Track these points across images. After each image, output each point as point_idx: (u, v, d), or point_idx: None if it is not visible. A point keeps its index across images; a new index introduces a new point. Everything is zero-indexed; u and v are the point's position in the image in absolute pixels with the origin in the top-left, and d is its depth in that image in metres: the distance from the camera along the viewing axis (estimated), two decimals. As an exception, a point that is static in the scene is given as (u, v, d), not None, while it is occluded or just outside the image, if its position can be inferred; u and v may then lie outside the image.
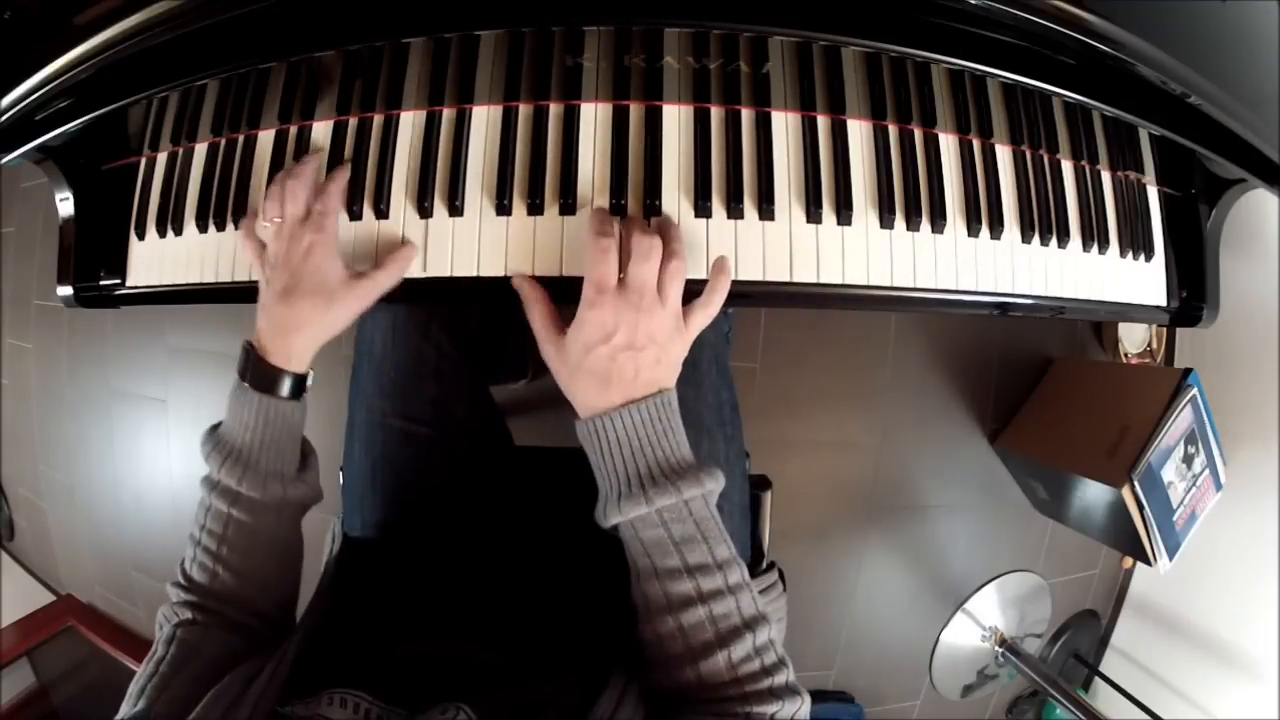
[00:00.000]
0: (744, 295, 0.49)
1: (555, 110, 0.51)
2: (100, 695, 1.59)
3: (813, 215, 0.50)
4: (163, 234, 0.58)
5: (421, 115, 0.52)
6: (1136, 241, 0.60)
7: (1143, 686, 1.38)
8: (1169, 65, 0.46)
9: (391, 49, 0.53)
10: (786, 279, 0.50)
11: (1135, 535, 1.12)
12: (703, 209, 0.49)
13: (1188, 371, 1.12)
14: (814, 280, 0.50)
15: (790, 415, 1.31)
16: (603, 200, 0.50)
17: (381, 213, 0.51)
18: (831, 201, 0.51)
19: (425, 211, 0.51)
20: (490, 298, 0.50)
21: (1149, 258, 0.61)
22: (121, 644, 1.55)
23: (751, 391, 1.28)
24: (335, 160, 0.53)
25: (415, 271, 0.51)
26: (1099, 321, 1.41)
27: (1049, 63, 0.47)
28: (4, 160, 0.55)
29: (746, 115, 0.51)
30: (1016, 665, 1.42)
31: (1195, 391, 1.12)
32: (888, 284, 0.51)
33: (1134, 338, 1.42)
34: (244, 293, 0.55)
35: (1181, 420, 1.12)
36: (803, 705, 0.42)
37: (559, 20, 0.47)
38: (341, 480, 0.68)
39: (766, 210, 0.50)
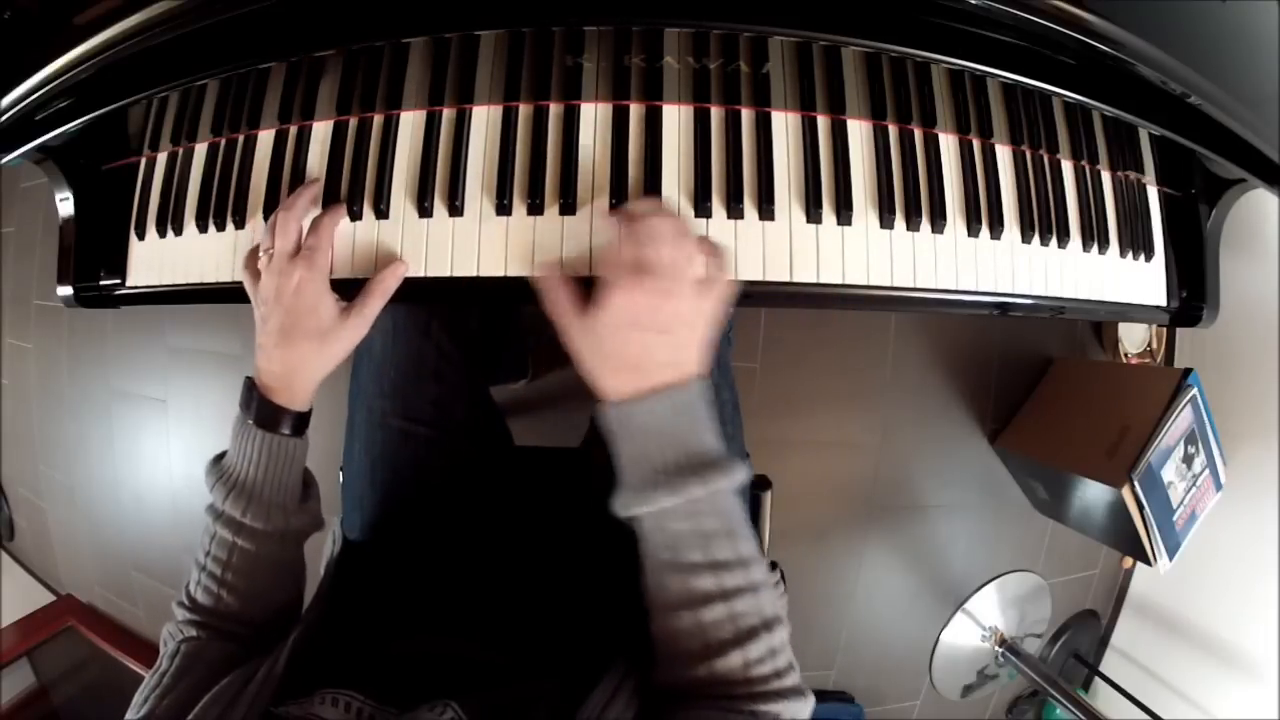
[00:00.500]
0: (744, 295, 0.49)
1: (555, 110, 0.51)
2: (100, 695, 1.59)
3: (813, 215, 0.50)
4: (163, 234, 0.58)
5: (421, 115, 0.52)
6: (1136, 241, 0.60)
7: (1143, 686, 1.38)
8: (1169, 65, 0.46)
9: (391, 49, 0.53)
10: (786, 279, 0.50)
11: (1135, 535, 1.12)
12: (703, 209, 0.49)
13: (1188, 371, 1.12)
14: (814, 280, 0.50)
15: (790, 415, 1.31)
16: (603, 200, 0.50)
17: (381, 213, 0.51)
18: (831, 201, 0.51)
19: (425, 211, 0.51)
20: (490, 298, 0.50)
21: (1149, 258, 0.61)
22: (121, 644, 1.55)
23: (751, 391, 1.28)
24: (337, 162, 0.53)
25: (416, 271, 0.51)
26: (1099, 321, 1.41)
27: (1049, 63, 0.47)
28: (4, 160, 0.55)
29: (746, 115, 0.51)
30: (1016, 665, 1.42)
31: (1195, 391, 1.12)
32: (888, 284, 0.51)
33: (1134, 338, 1.42)
34: (244, 293, 0.55)
35: (1181, 420, 1.12)
36: (808, 706, 0.41)
37: (559, 20, 0.47)
38: (341, 480, 0.68)
39: (766, 210, 0.50)
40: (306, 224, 0.50)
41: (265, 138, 0.55)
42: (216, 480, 0.50)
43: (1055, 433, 1.30)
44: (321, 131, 0.54)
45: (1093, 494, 1.17)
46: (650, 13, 0.45)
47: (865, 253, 0.51)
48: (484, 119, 0.51)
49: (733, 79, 0.51)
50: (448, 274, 0.50)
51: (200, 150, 0.57)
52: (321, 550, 0.64)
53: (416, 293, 0.51)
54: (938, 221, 0.52)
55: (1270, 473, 1.21)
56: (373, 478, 0.64)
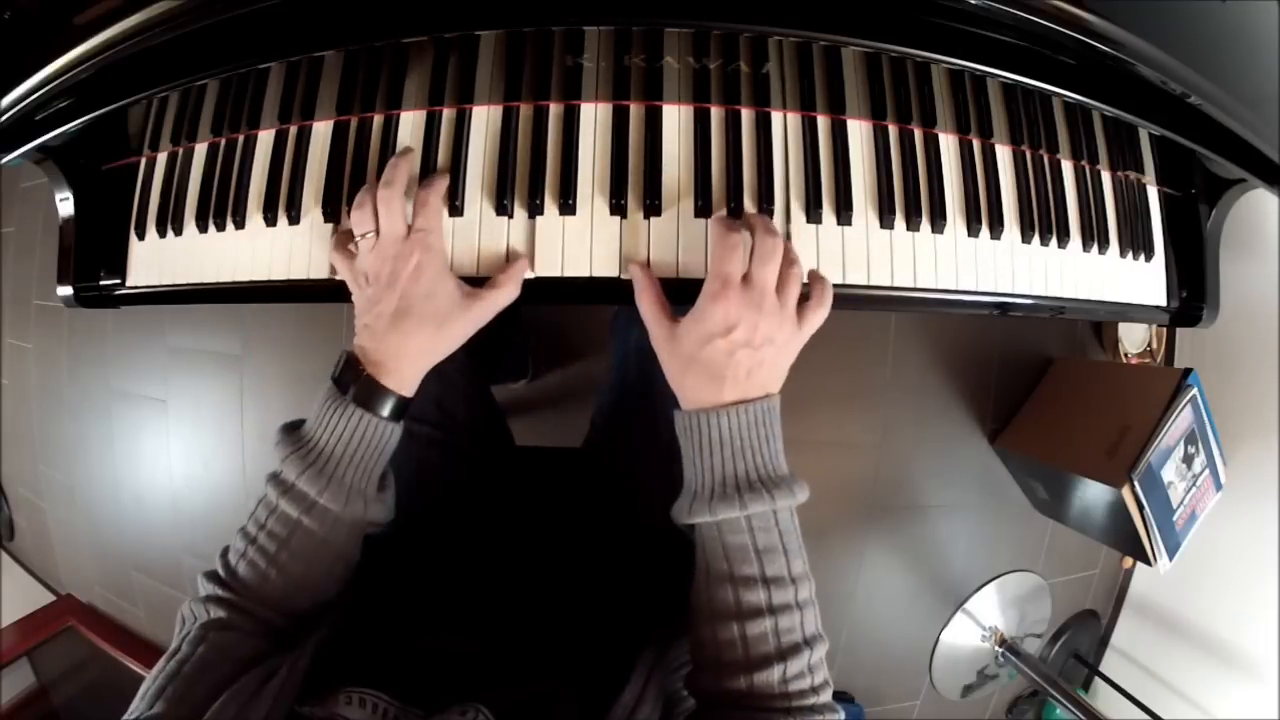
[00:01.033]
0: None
1: (555, 110, 0.51)
2: (100, 695, 1.59)
3: (812, 215, 0.50)
4: (163, 234, 0.58)
5: (421, 115, 0.52)
6: (1136, 241, 0.60)
7: (1143, 686, 1.38)
8: (1169, 65, 0.46)
9: (391, 49, 0.53)
10: (786, 279, 0.50)
11: (1135, 535, 1.12)
12: (702, 209, 0.49)
13: (1188, 371, 1.12)
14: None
15: (790, 415, 1.30)
16: (603, 200, 0.50)
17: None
18: (831, 201, 0.51)
19: (425, 211, 0.51)
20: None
21: (1149, 258, 0.61)
22: (121, 644, 1.55)
23: (751, 391, 1.28)
24: (337, 162, 0.53)
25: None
26: (1099, 321, 1.41)
27: (1049, 63, 0.47)
28: (4, 160, 0.55)
29: (746, 115, 0.51)
30: (1016, 665, 1.42)
31: (1195, 391, 1.12)
32: (888, 284, 0.51)
33: (1134, 338, 1.42)
34: (244, 293, 0.55)
35: (1181, 420, 1.12)
36: None
37: (559, 20, 0.47)
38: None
39: (766, 210, 0.50)
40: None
41: (265, 138, 0.55)
42: (293, 451, 0.46)
43: (1055, 433, 1.30)
44: (321, 131, 0.54)
45: (1093, 494, 1.17)
46: (650, 13, 0.45)
47: (865, 253, 0.51)
48: (484, 119, 0.51)
49: (733, 79, 0.51)
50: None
51: (200, 150, 0.57)
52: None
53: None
54: (938, 221, 0.52)
55: (1270, 473, 1.21)
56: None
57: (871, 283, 0.51)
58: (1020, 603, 1.48)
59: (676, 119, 0.51)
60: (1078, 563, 1.51)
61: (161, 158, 0.59)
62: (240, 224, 0.55)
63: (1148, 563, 1.15)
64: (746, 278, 0.43)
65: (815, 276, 0.47)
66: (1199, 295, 0.63)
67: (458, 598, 0.55)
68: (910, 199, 0.51)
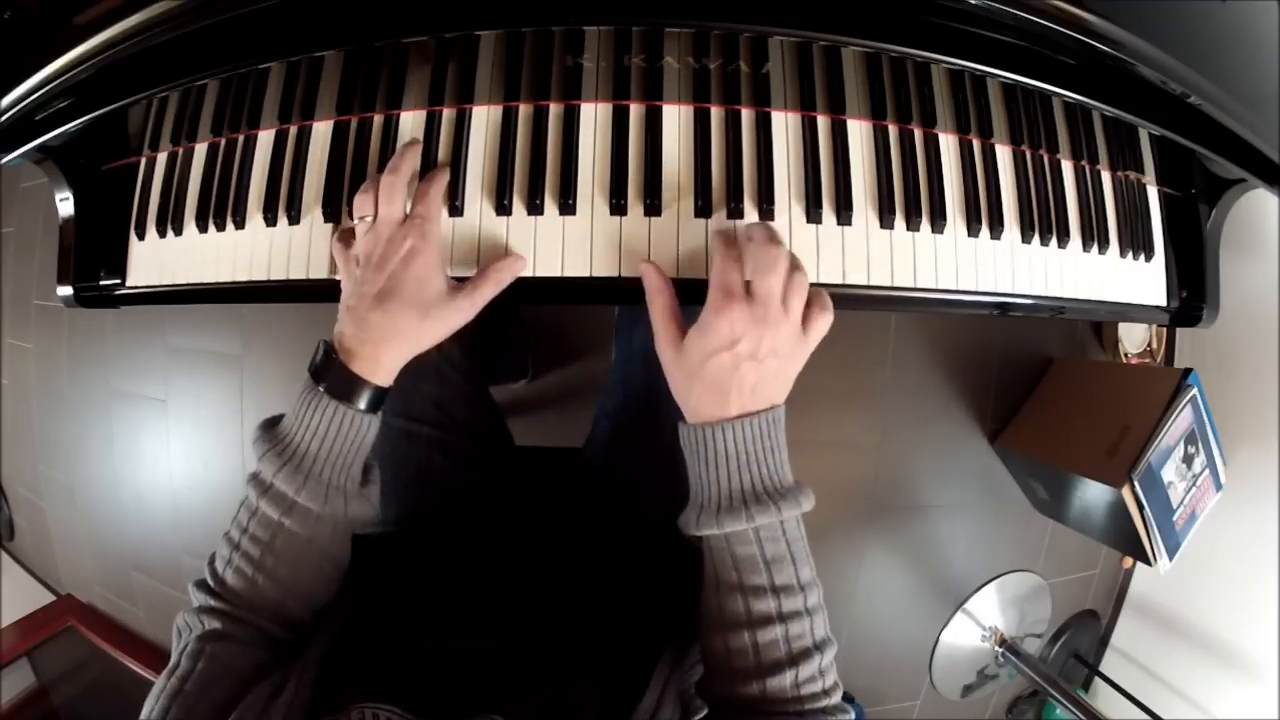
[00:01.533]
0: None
1: (555, 110, 0.51)
2: (100, 695, 1.59)
3: (812, 215, 0.50)
4: (163, 234, 0.58)
5: (421, 115, 0.52)
6: (1136, 241, 0.60)
7: (1143, 686, 1.38)
8: (1169, 65, 0.46)
9: (391, 49, 0.53)
10: (786, 279, 0.50)
11: (1135, 535, 1.12)
12: (702, 209, 0.49)
13: (1188, 371, 1.12)
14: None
15: (790, 415, 1.30)
16: (603, 200, 0.50)
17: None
18: (831, 201, 0.51)
19: (425, 211, 0.51)
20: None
21: (1149, 258, 0.61)
22: (121, 644, 1.55)
23: (751, 391, 1.28)
24: (337, 162, 0.53)
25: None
26: (1099, 321, 1.41)
27: (1049, 63, 0.47)
28: (4, 160, 0.55)
29: (746, 115, 0.51)
30: (1016, 665, 1.42)
31: (1195, 391, 1.12)
32: (888, 284, 0.51)
33: (1134, 338, 1.42)
34: (244, 293, 0.55)
35: (1181, 420, 1.12)
36: None
37: (559, 20, 0.47)
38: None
39: (766, 210, 0.50)
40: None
41: (265, 138, 0.55)
42: (269, 449, 0.45)
43: (1055, 433, 1.30)
44: (321, 131, 0.54)
45: (1093, 494, 1.17)
46: (650, 13, 0.45)
47: (865, 253, 0.51)
48: (484, 119, 0.51)
49: (733, 79, 0.51)
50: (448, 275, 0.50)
51: (200, 150, 0.57)
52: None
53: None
54: (938, 221, 0.52)
55: (1270, 473, 1.21)
56: (375, 477, 0.64)
57: (871, 283, 0.51)
58: (1020, 603, 1.48)
59: (676, 119, 0.51)
60: (1078, 563, 1.52)
61: (161, 158, 0.59)
62: (240, 224, 0.55)
63: (1148, 563, 1.15)
64: (750, 289, 0.42)
65: (816, 291, 0.46)
66: (1199, 295, 0.63)
67: (463, 598, 0.55)
68: (910, 199, 0.51)
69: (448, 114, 0.52)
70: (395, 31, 0.48)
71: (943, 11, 0.44)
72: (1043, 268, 0.55)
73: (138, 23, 0.45)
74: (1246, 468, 1.25)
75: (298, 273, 0.53)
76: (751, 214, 0.50)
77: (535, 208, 0.50)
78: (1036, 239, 0.55)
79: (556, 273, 0.49)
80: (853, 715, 0.43)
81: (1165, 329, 1.43)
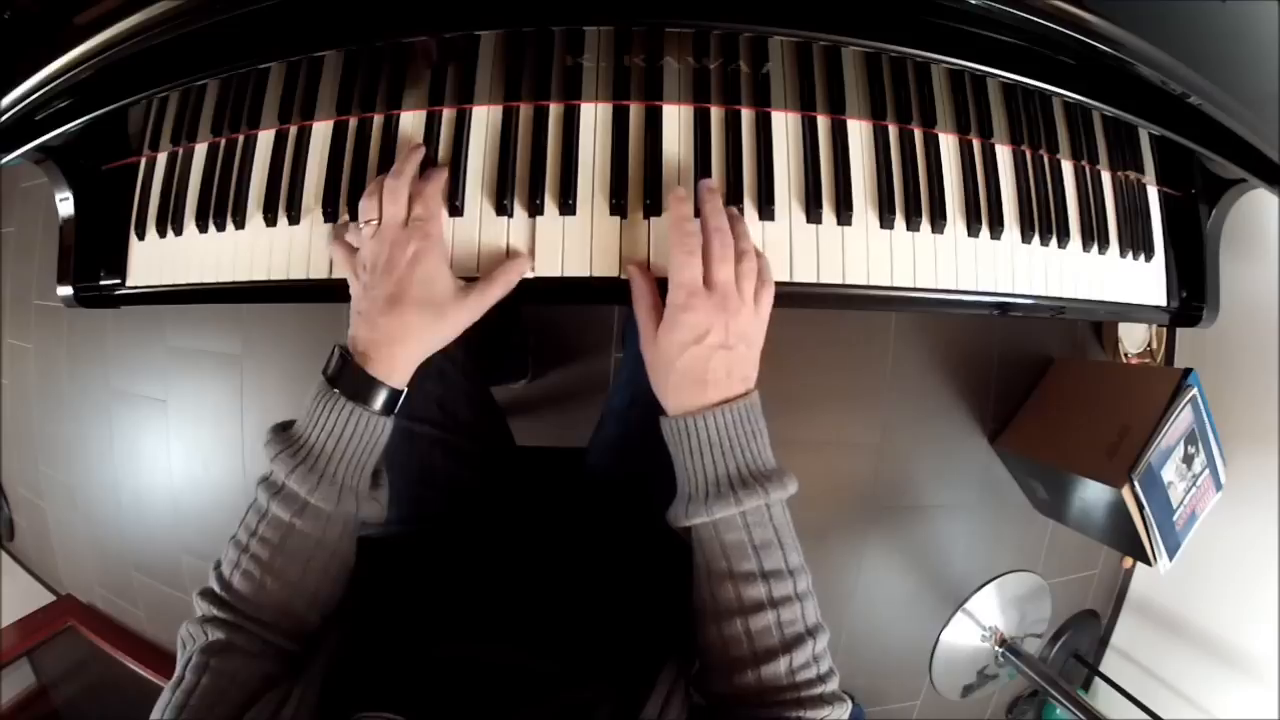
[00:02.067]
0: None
1: (555, 110, 0.51)
2: (100, 695, 1.59)
3: (813, 215, 0.50)
4: (163, 234, 0.58)
5: (421, 115, 0.52)
6: (1136, 241, 0.60)
7: (1143, 686, 1.38)
8: (1169, 65, 0.46)
9: (391, 49, 0.53)
10: (787, 279, 0.50)
11: (1135, 535, 1.12)
12: (703, 209, 0.49)
13: (1188, 371, 1.12)
14: (814, 280, 0.50)
15: (790, 415, 1.31)
16: (603, 200, 0.50)
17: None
18: (831, 201, 0.51)
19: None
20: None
21: (1149, 258, 0.61)
22: (121, 644, 1.55)
23: (751, 391, 1.28)
24: (337, 162, 0.53)
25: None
26: (1099, 321, 1.41)
27: (1049, 63, 0.47)
28: (4, 160, 0.55)
29: (746, 115, 0.51)
30: (1016, 665, 1.42)
31: (1195, 391, 1.12)
32: (888, 284, 0.51)
33: (1134, 338, 1.42)
34: (244, 293, 0.55)
35: (1181, 420, 1.12)
36: (846, 709, 0.43)
37: (559, 20, 0.47)
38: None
39: (766, 210, 0.50)
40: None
41: (265, 138, 0.55)
42: (282, 450, 0.44)
43: (1055, 433, 1.30)
44: (321, 131, 0.54)
45: (1093, 494, 1.17)
46: (650, 13, 0.45)
47: (865, 253, 0.51)
48: (484, 119, 0.51)
49: (733, 79, 0.51)
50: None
51: (200, 150, 0.57)
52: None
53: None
54: (938, 221, 0.52)
55: (1270, 473, 1.21)
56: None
57: (871, 283, 0.51)
58: (1020, 603, 1.48)
59: (676, 119, 0.51)
60: (1078, 563, 1.51)
61: (161, 158, 0.59)
62: (240, 224, 0.55)
63: (1148, 563, 1.15)
64: (708, 281, 0.44)
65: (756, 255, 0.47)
66: (1199, 295, 0.63)
67: (470, 603, 0.54)
68: (910, 199, 0.51)
69: (448, 114, 0.52)
70: (395, 31, 0.48)
71: (943, 11, 0.44)
72: (1042, 268, 0.55)
73: (138, 23, 0.45)
74: (1246, 468, 1.24)
75: (298, 273, 0.53)
76: (752, 214, 0.50)
77: (535, 208, 0.50)
78: (1036, 239, 0.55)
79: (556, 273, 0.49)
80: (850, 704, 0.43)
81: (1165, 329, 1.43)
